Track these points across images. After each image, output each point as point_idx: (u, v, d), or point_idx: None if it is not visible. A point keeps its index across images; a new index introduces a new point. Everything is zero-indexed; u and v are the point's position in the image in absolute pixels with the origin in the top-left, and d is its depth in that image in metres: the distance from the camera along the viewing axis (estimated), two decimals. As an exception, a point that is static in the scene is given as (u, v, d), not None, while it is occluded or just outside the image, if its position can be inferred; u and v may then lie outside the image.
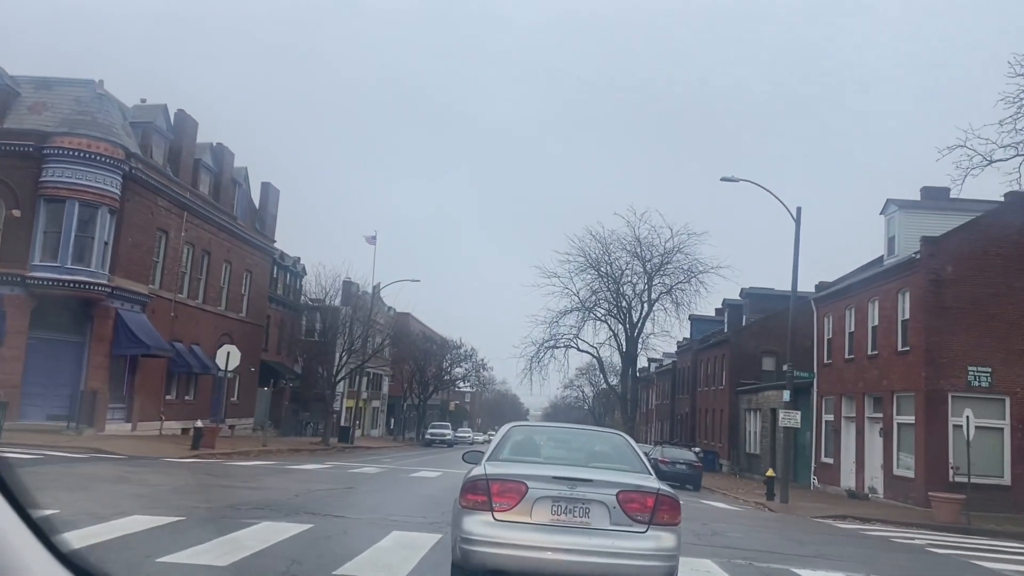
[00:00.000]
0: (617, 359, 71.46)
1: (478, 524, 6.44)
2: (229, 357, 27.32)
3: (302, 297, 57.46)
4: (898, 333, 27.36)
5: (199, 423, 25.90)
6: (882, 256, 31.02)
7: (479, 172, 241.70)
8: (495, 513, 6.45)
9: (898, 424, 27.16)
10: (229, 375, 28.22)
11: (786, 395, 25.81)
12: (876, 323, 29.31)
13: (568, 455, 7.99)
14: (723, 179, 26.73)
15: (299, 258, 58.79)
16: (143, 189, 30.28)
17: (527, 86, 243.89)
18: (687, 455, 31.56)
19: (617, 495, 6.52)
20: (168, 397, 33.52)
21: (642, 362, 70.74)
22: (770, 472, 26.28)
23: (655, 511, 6.51)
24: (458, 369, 78.43)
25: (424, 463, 31.89)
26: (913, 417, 25.87)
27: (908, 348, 26.48)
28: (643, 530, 6.44)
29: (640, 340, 67.47)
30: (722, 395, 50.50)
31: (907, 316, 26.85)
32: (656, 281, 67.07)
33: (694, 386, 59.78)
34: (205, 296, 36.74)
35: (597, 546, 6.31)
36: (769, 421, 40.77)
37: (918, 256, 25.95)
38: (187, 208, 33.94)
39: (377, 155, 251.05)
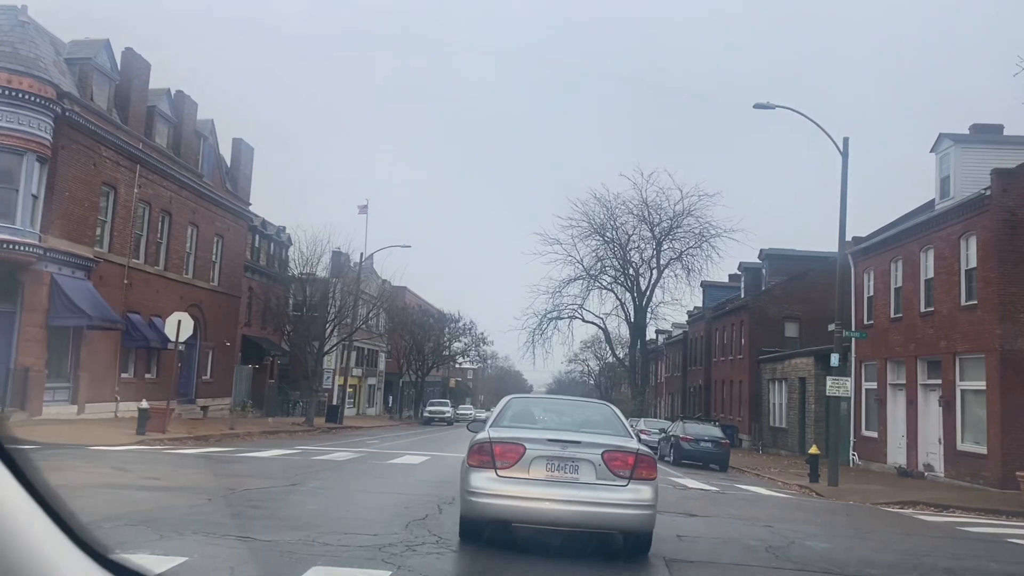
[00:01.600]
0: (624, 331, 67.61)
1: (483, 479, 7.61)
2: (180, 327, 23.45)
3: (289, 268, 53.52)
4: (961, 285, 23.40)
5: (144, 404, 22.05)
6: (933, 200, 26.99)
7: (475, 140, 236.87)
8: (498, 470, 7.61)
9: (962, 391, 23.26)
10: (181, 347, 24.33)
11: (833, 359, 21.92)
12: (931, 275, 25.34)
13: (560, 421, 8.98)
14: (756, 106, 22.67)
15: (284, 227, 54.78)
16: (82, 136, 26.26)
17: (523, 42, 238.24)
18: (712, 431, 27.75)
19: (602, 454, 7.68)
20: (124, 375, 29.70)
21: (650, 333, 66.97)
22: (814, 449, 22.45)
23: (635, 468, 7.66)
24: (457, 344, 74.59)
25: (413, 445, 28.11)
26: (983, 383, 21.97)
27: (975, 302, 22.54)
28: (624, 484, 7.59)
29: (649, 310, 63.57)
30: (741, 365, 46.65)
31: (973, 264, 22.87)
32: (665, 246, 63.05)
33: (708, 357, 55.94)
34: (167, 262, 32.81)
35: (585, 497, 7.50)
36: (797, 392, 36.94)
37: (988, 193, 21.93)
38: (140, 161, 29.92)
39: (368, 127, 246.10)
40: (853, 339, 29.11)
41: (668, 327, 74.47)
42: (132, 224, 29.82)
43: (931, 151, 26.79)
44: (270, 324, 53.46)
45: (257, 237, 49.93)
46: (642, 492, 7.58)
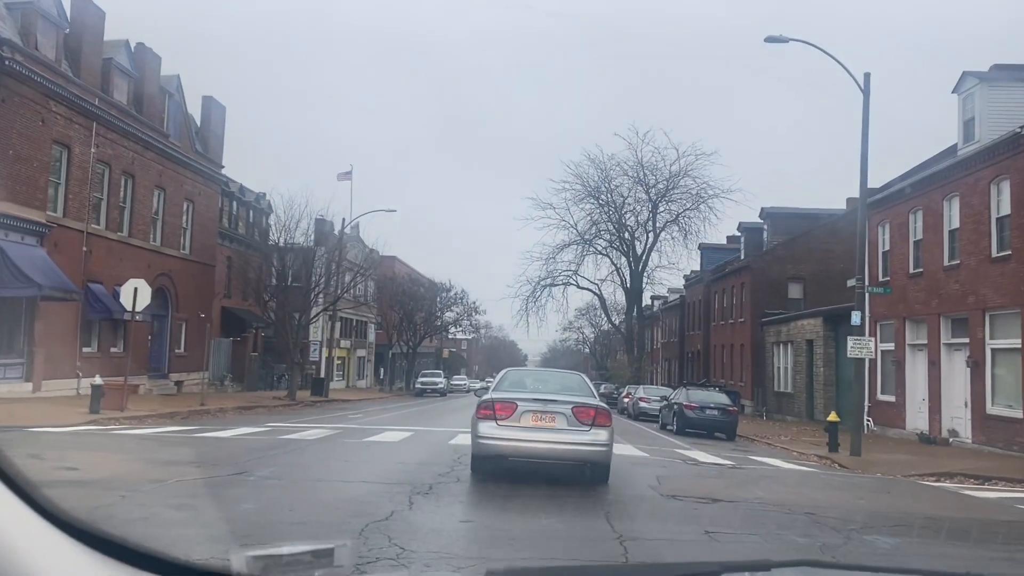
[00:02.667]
0: (620, 297, 65.77)
1: (488, 427, 10.50)
2: (137, 294, 21.32)
3: (270, 237, 51.23)
4: (991, 235, 21.42)
5: (97, 379, 20.01)
6: (955, 145, 24.91)
7: (458, 103, 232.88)
8: (498, 421, 10.49)
9: (992, 350, 21.38)
10: (139, 317, 22.23)
11: (855, 317, 19.96)
12: (956, 225, 23.34)
13: (544, 387, 12.12)
14: (768, 39, 20.45)
15: (264, 193, 52.34)
16: (27, 89, 23.93)
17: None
18: (718, 398, 25.87)
19: (572, 408, 10.62)
20: (86, 350, 27.63)
21: (647, 299, 65.09)
22: (832, 416, 20.56)
23: (595, 418, 10.60)
24: (449, 314, 72.57)
25: (398, 419, 26.19)
26: (1017, 340, 20.08)
27: (1008, 253, 20.57)
28: (588, 429, 10.49)
29: (645, 275, 61.68)
30: (742, 329, 44.81)
31: (1005, 211, 20.87)
32: (661, 208, 60.98)
33: (707, 321, 54.10)
34: (132, 228, 30.58)
35: (560, 439, 10.42)
36: (804, 355, 35.11)
37: (1023, 132, 19.88)
38: (96, 118, 27.58)
39: (351, 92, 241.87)
40: (867, 297, 27.14)
41: (664, 292, 72.64)
42: (90, 186, 27.55)
43: (953, 92, 24.67)
44: (251, 295, 51.49)
45: (235, 204, 47.62)
46: (600, 435, 10.48)
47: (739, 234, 51.72)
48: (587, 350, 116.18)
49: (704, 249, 58.94)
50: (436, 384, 62.21)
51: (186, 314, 34.65)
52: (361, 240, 69.23)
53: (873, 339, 20.05)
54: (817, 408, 33.42)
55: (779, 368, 39.06)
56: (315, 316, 41.68)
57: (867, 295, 22.86)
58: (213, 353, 39.91)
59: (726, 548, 7.10)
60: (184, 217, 35.08)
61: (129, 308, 21.49)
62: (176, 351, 34.33)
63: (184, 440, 14.90)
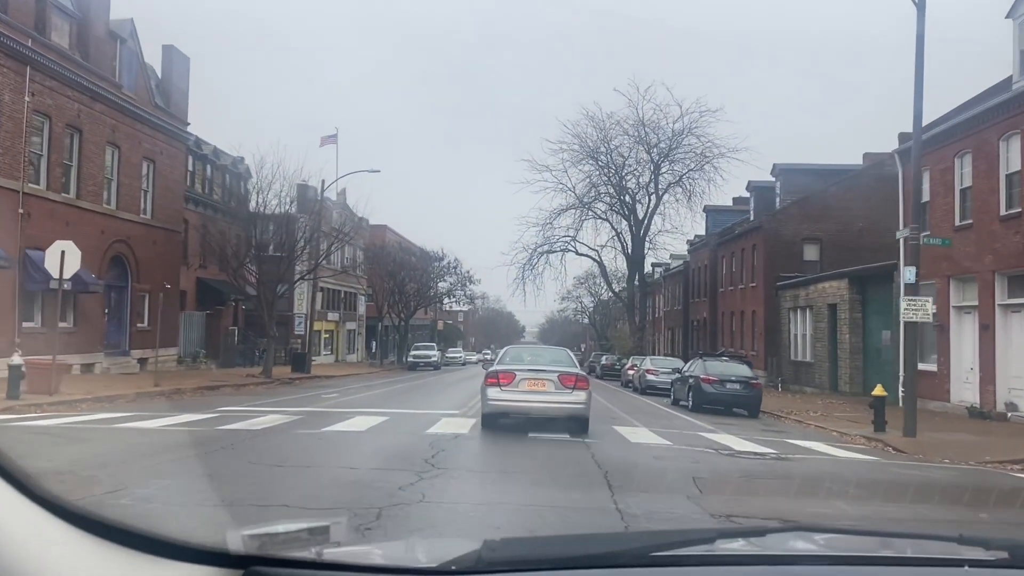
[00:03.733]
0: (621, 264, 62.68)
1: (494, 391, 13.76)
2: (64, 259, 18.21)
3: (251, 204, 47.96)
4: (1063, 176, 18.35)
5: (15, 359, 16.97)
6: (1010, 77, 21.74)
7: (443, 61, 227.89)
8: (501, 387, 13.74)
9: (1063, 311, 18.43)
10: (66, 284, 19.09)
11: (908, 274, 16.90)
12: (1015, 168, 20.25)
13: (537, 360, 15.30)
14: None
15: (243, 157, 48.89)
16: (-62, 23, 20.61)
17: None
18: (739, 370, 22.94)
19: (558, 376, 13.87)
20: (27, 325, 24.57)
21: (648, 265, 62.04)
22: (879, 390, 17.58)
23: (576, 383, 13.93)
24: (442, 284, 69.47)
25: (377, 399, 23.27)
26: (1098, 298, 17.11)
27: (1085, 196, 17.53)
28: (570, 392, 13.79)
29: (647, 240, 58.58)
30: (754, 294, 41.84)
31: (1081, 148, 17.80)
32: (664, 169, 57.65)
33: (713, 287, 51.10)
34: (80, 189, 27.38)
35: (549, 399, 13.73)
36: (826, 320, 32.14)
37: (1108, 51, 16.73)
38: (31, 63, 24.27)
39: (336, 54, 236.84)
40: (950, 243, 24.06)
41: (666, 259, 69.62)
42: (25, 141, 24.30)
43: (1007, 16, 21.46)
44: (232, 266, 48.43)
45: (209, 167, 44.38)
46: (580, 395, 13.97)
47: (748, 195, 48.59)
48: (586, 320, 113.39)
49: (710, 211, 55.86)
50: (429, 357, 59.32)
51: (149, 285, 31.52)
52: (349, 208, 66.04)
53: (930, 299, 17.00)
54: (842, 379, 30.54)
55: (796, 335, 36.14)
56: (287, 288, 38.59)
57: (949, 244, 19.50)
58: (183, 327, 36.93)
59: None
60: (144, 178, 31.86)
61: (56, 275, 18.39)
62: (138, 326, 31.28)
63: (85, 433, 11.89)
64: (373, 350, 73.87)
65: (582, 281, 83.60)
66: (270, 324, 34.77)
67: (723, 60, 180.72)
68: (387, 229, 77.81)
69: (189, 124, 35.45)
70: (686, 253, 63.52)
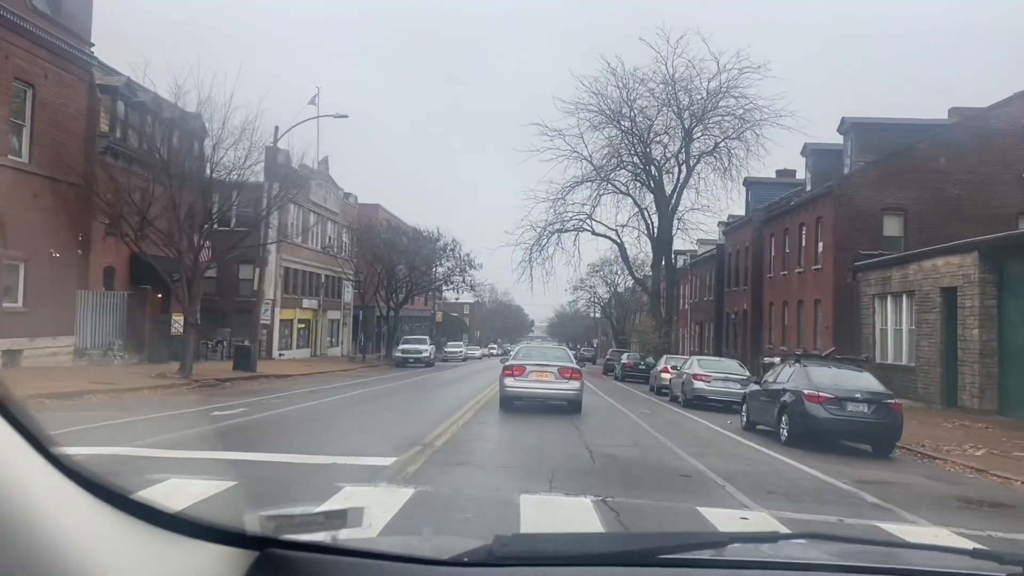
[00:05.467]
0: (645, 247, 54.21)
1: (510, 381, 18.44)
2: None
3: (208, 167, 39.70)
4: None
5: None
6: None
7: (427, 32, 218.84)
8: (515, 377, 18.47)
9: None
10: None
11: None
12: None
13: (543, 356, 20.01)
14: None
15: (199, 114, 40.59)
16: None
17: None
18: (864, 382, 14.68)
19: (558, 369, 18.57)
20: None
21: (677, 245, 53.42)
22: None
23: (571, 374, 18.56)
24: (439, 269, 61.19)
25: (278, 427, 15.02)
26: None
27: None
28: (567, 381, 18.36)
29: (676, 219, 50.21)
30: (817, 279, 33.47)
31: None
32: (697, 134, 49.41)
33: (757, 273, 42.71)
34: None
35: (551, 387, 18.38)
36: (938, 310, 23.74)
37: None
38: None
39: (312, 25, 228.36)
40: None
41: (692, 246, 61.21)
42: None
43: None
44: (184, 239, 40.50)
45: (149, 119, 36.16)
46: (575, 384, 18.42)
47: (800, 162, 40.22)
48: (598, 314, 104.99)
49: (752, 185, 47.41)
50: (420, 352, 51.08)
51: (24, 252, 23.46)
52: (331, 179, 57.83)
53: None
54: (964, 390, 22.16)
55: (886, 331, 27.74)
56: (210, 262, 30.65)
57: None
58: (89, 311, 28.83)
59: None
60: (23, 109, 23.73)
61: None
62: (6, 305, 23.14)
63: None
64: (362, 342, 65.88)
65: (597, 269, 75.28)
66: (190, 308, 26.61)
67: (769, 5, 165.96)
68: (380, 209, 69.71)
69: (92, 45, 27.19)
70: (717, 238, 55.23)
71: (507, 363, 19.66)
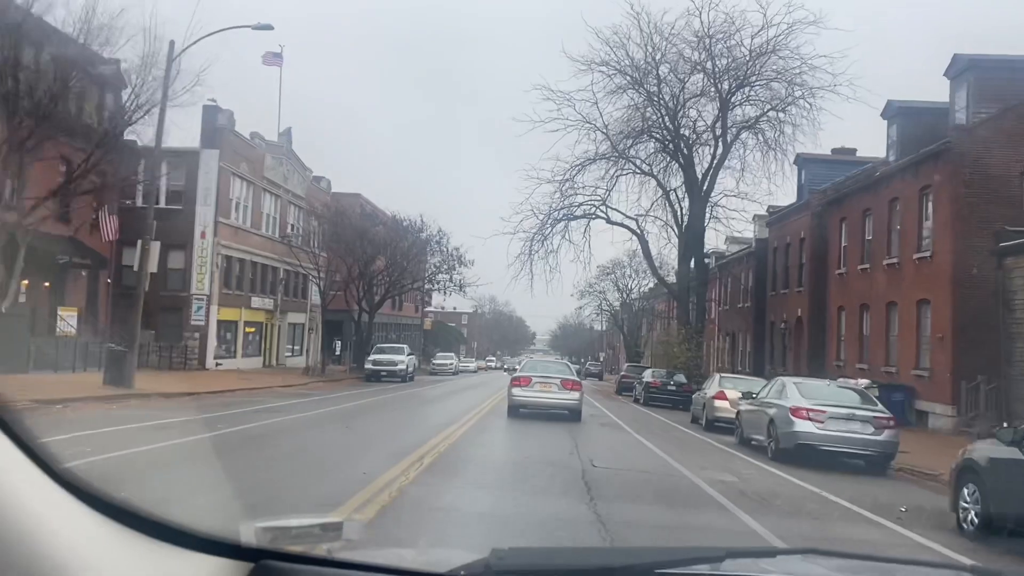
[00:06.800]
0: (666, 244, 45.24)
1: (517, 391, 20.36)
2: None
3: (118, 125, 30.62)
4: None
5: None
6: None
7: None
8: (521, 387, 20.39)
9: None
10: None
11: None
12: None
13: (546, 369, 21.97)
14: None
15: (119, 61, 31.40)
16: None
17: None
18: None
19: (560, 381, 20.54)
20: None
21: (710, 239, 43.97)
22: None
23: (572, 386, 20.53)
24: (425, 266, 51.87)
25: None
26: None
27: None
28: (569, 391, 20.30)
29: (709, 207, 41.13)
30: (927, 271, 24.33)
31: None
32: (738, 99, 40.41)
33: (819, 270, 33.58)
34: None
35: (554, 397, 20.21)
36: None
37: None
38: None
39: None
40: None
41: (721, 246, 52.18)
42: None
43: None
44: (107, 219, 31.70)
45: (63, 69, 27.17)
46: (575, 395, 20.26)
47: (884, 122, 30.95)
48: (604, 326, 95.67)
49: (807, 163, 38.33)
50: (395, 365, 41.85)
51: None
52: (296, 157, 48.73)
53: None
54: None
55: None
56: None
57: None
58: None
59: None
60: None
61: None
62: None
63: None
64: (336, 351, 56.61)
65: (608, 271, 65.98)
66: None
67: None
68: (360, 199, 60.48)
69: None
70: (752, 234, 46.15)
71: (515, 375, 22.53)
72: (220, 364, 37.45)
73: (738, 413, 17.62)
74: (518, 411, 20.15)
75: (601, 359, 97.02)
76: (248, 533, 1.62)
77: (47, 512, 1.30)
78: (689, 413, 24.69)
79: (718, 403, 20.44)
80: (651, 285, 65.45)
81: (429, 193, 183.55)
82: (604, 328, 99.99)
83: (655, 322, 63.57)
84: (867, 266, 28.63)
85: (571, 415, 19.95)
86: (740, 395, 19.56)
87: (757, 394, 16.92)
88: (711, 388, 21.73)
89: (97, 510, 1.40)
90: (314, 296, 48.63)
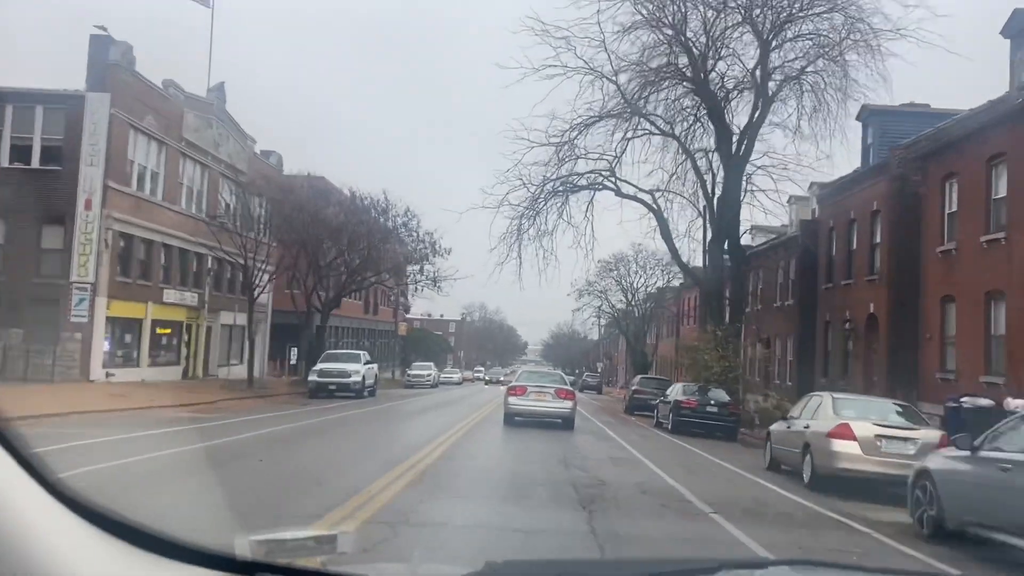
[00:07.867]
0: (685, 224, 36.59)
1: (513, 400, 21.90)
2: None
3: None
4: None
5: None
6: None
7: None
8: (517, 396, 21.90)
9: None
10: None
11: None
12: None
13: (541, 379, 23.83)
14: None
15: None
16: None
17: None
18: None
19: (555, 390, 22.17)
20: None
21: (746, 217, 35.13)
22: None
23: (566, 395, 22.26)
24: (388, 251, 42.80)
25: None
26: None
27: None
28: (563, 400, 21.94)
29: (746, 177, 32.51)
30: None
31: None
32: (780, 38, 31.87)
33: (905, 250, 24.86)
34: None
35: (548, 405, 21.71)
36: None
37: None
38: None
39: None
40: None
41: (749, 240, 43.34)
42: None
43: None
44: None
45: None
46: (568, 403, 21.91)
47: (1007, 41, 22.32)
48: (600, 333, 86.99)
49: (874, 116, 29.65)
50: (347, 376, 32.74)
51: None
52: (233, 121, 39.87)
53: None
54: None
55: None
56: None
57: None
58: None
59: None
60: None
61: None
62: None
63: None
64: (293, 360, 47.71)
65: (610, 268, 57.03)
66: None
67: None
68: (326, 183, 51.49)
69: None
70: (787, 219, 37.66)
71: (510, 384, 23.88)
72: (112, 375, 28.49)
73: (923, 475, 8.82)
74: (513, 419, 21.52)
75: (599, 368, 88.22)
76: (243, 546, 1.62)
77: (42, 525, 1.29)
78: (738, 444, 15.95)
79: (839, 445, 11.66)
80: (660, 284, 56.78)
81: (403, 176, 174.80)
82: (601, 336, 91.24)
83: (671, 325, 54.74)
84: (999, 236, 19.92)
85: (564, 424, 21.63)
86: (877, 431, 10.84)
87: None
88: (819, 418, 12.83)
89: (93, 523, 1.40)
90: (261, 297, 39.59)
